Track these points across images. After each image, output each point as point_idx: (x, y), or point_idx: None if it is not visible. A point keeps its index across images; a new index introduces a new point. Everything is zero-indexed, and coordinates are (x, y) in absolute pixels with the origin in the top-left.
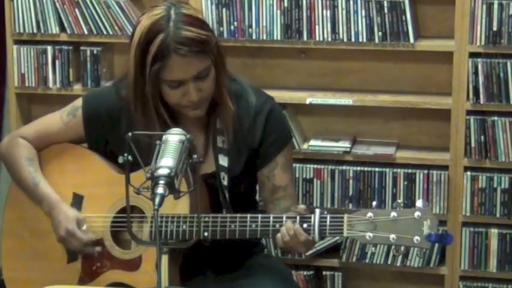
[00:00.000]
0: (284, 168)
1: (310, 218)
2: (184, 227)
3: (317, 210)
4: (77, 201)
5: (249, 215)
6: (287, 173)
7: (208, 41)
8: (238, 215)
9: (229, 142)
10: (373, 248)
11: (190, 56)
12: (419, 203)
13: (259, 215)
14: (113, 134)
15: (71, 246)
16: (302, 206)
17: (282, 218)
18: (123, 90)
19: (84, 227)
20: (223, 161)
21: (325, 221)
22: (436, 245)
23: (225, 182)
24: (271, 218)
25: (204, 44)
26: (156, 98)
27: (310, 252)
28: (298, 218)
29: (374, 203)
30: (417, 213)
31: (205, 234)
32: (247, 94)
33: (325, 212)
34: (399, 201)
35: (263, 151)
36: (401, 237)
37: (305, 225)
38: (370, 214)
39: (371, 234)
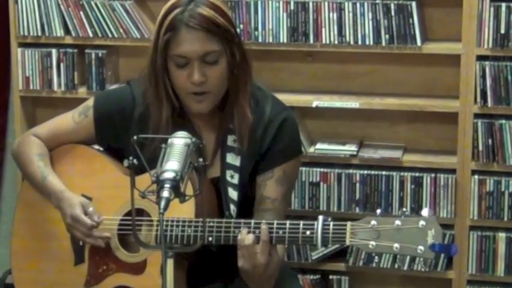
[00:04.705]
0: (279, 181)
1: (313, 225)
2: (189, 231)
3: (320, 217)
4: None
5: (253, 221)
6: (281, 187)
7: (223, 28)
8: (242, 220)
9: (243, 147)
10: (376, 258)
11: (199, 30)
12: (424, 211)
13: (263, 221)
14: (125, 135)
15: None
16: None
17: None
18: (138, 88)
19: (91, 209)
20: (235, 160)
21: (328, 229)
22: None
23: (235, 181)
24: (275, 224)
25: (217, 27)
26: (165, 75)
27: (316, 256)
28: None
29: (378, 211)
30: (422, 222)
31: (210, 239)
32: (265, 103)
33: (329, 219)
34: (404, 209)
35: (266, 158)
36: (404, 247)
37: (308, 233)
38: (373, 222)
39: (374, 243)
